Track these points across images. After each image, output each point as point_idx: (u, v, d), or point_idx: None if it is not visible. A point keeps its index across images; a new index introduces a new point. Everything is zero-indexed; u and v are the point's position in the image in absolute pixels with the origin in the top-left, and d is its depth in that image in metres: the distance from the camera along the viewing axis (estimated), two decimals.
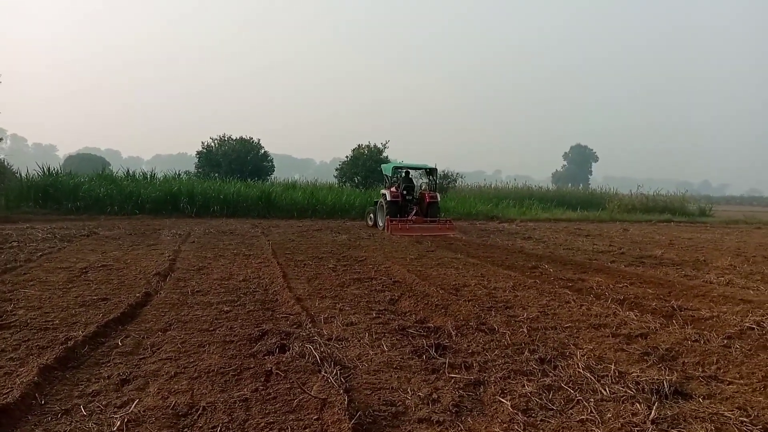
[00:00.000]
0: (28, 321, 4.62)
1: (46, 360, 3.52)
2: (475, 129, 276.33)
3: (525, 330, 4.75)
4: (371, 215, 16.91)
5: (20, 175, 20.13)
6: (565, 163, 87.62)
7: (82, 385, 3.30)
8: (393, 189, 15.73)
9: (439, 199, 16.35)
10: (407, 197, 15.86)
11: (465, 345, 4.28)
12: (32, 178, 19.43)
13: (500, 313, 5.45)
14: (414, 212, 15.40)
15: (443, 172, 31.75)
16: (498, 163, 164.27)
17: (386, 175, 17.05)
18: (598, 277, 7.81)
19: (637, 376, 3.59)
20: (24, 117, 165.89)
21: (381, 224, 15.58)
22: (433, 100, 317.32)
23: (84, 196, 18.15)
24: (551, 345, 4.34)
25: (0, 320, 4.59)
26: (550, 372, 3.71)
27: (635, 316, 5.45)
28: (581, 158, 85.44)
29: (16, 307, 5.10)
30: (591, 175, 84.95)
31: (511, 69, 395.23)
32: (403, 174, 16.50)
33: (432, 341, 4.29)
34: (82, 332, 4.19)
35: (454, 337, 4.47)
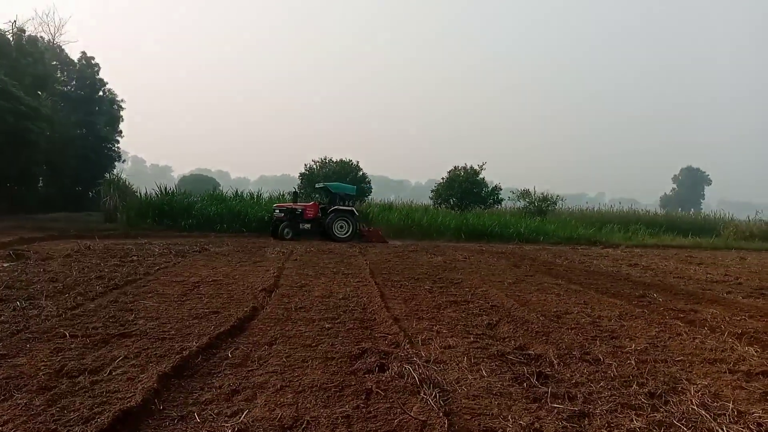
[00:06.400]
0: (147, 330, 4.94)
1: (164, 368, 3.77)
2: (576, 149, 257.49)
3: (632, 362, 4.47)
4: (287, 229, 17.82)
5: (140, 194, 21.93)
6: (674, 186, 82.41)
7: (195, 393, 3.50)
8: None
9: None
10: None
11: (568, 375, 4.11)
12: (150, 197, 21.21)
13: (605, 343, 5.14)
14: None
15: (542, 194, 31.05)
16: (601, 185, 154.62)
17: (345, 194, 19.34)
18: (713, 309, 7.11)
19: (759, 417, 3.33)
20: (143, 140, 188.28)
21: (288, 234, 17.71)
22: (530, 120, 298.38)
23: (196, 214, 19.55)
24: (662, 379, 4.05)
25: (123, 329, 4.97)
26: (661, 407, 3.48)
27: (755, 351, 4.87)
28: (692, 181, 79.87)
29: (136, 317, 5.49)
30: (703, 199, 78.74)
31: (613, 85, 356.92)
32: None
33: (533, 369, 4.17)
34: (196, 343, 4.45)
35: (556, 366, 4.31)
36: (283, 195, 25.42)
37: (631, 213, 34.80)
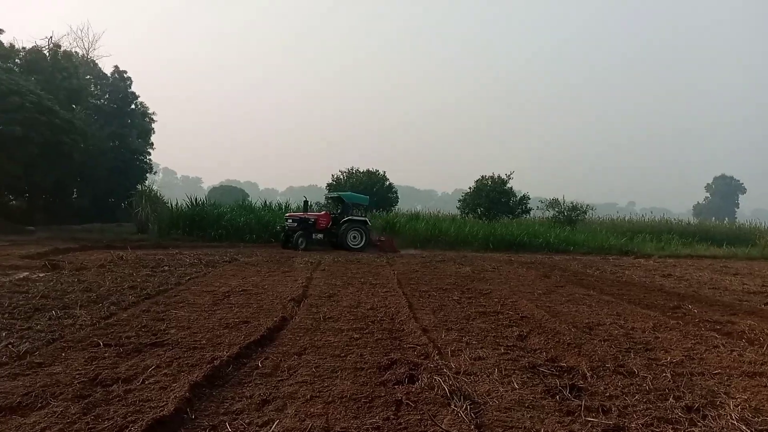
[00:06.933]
0: (179, 340, 5.03)
1: (196, 377, 3.84)
2: (606, 158, 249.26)
3: (668, 375, 4.38)
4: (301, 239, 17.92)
5: (171, 205, 22.15)
6: (707, 195, 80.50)
7: (227, 402, 3.55)
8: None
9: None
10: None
11: (602, 387, 4.05)
12: (181, 208, 21.70)
13: (639, 355, 5.06)
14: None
15: (571, 203, 31.30)
16: (632, 195, 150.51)
17: (358, 204, 19.80)
18: (750, 320, 6.97)
19: None
20: (173, 151, 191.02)
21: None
22: (558, 129, 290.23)
23: (226, 225, 19.87)
24: (699, 392, 3.97)
25: (155, 338, 5.07)
26: (699, 422, 3.41)
27: None
28: (726, 190, 77.76)
29: (168, 326, 5.59)
30: (737, 208, 77.20)
31: (642, 91, 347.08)
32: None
33: (566, 381, 4.13)
34: (227, 353, 4.53)
35: (589, 379, 4.26)
36: (310, 205, 25.44)
37: (664, 222, 33.95)
